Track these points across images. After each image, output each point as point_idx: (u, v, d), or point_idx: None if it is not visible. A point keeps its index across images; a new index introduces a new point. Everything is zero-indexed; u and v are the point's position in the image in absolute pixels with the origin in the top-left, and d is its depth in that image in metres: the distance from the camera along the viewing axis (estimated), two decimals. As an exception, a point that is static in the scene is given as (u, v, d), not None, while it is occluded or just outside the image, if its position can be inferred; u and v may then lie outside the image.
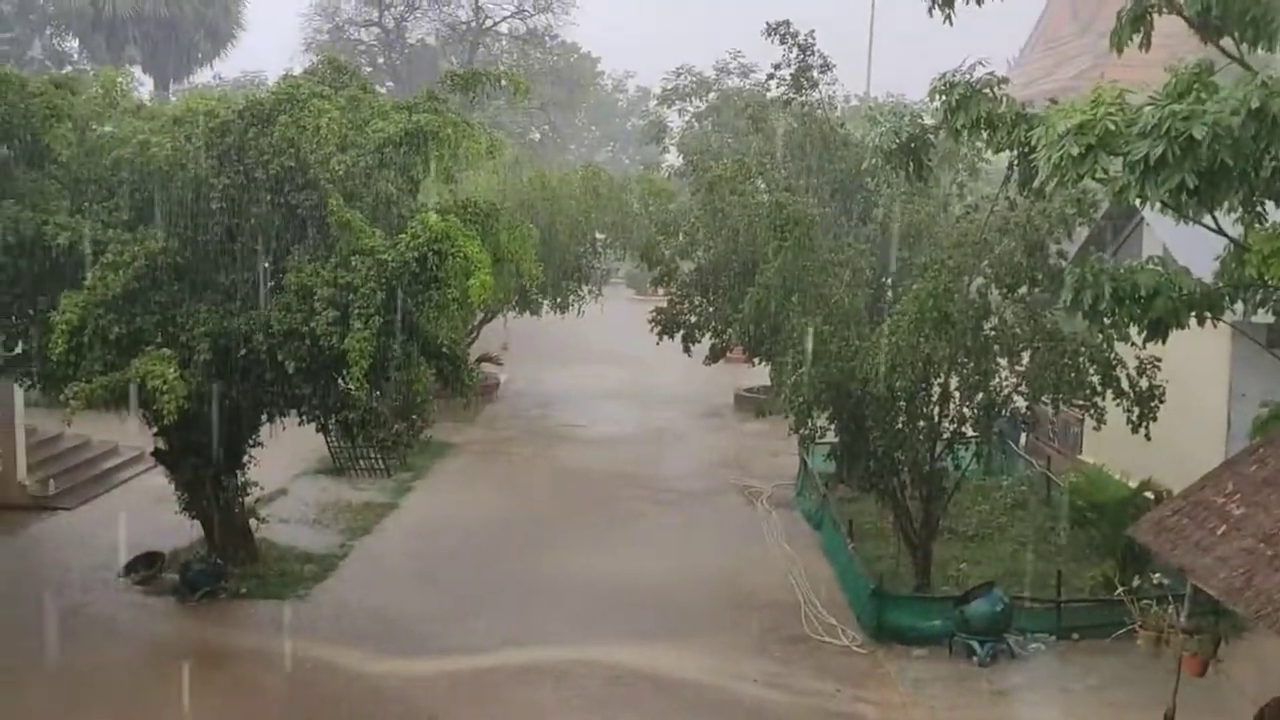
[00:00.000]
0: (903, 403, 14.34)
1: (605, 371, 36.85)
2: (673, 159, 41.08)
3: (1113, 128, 9.75)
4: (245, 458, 16.40)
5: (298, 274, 13.62)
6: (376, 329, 13.13)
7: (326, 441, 21.55)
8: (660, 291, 62.24)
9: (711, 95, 38.22)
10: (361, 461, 22.13)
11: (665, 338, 22.51)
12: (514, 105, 32.74)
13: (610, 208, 29.49)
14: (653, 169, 35.38)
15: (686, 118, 39.89)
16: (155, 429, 15.61)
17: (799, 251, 15.04)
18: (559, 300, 30.06)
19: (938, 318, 13.05)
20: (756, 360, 24.73)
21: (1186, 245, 13.90)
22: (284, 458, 17.92)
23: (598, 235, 30.75)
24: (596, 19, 66.37)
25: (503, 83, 15.86)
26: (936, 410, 14.89)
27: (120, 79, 15.17)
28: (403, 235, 13.36)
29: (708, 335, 21.72)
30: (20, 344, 14.12)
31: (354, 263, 13.33)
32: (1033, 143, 10.90)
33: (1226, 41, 11.48)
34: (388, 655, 13.75)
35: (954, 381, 14.94)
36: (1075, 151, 9.86)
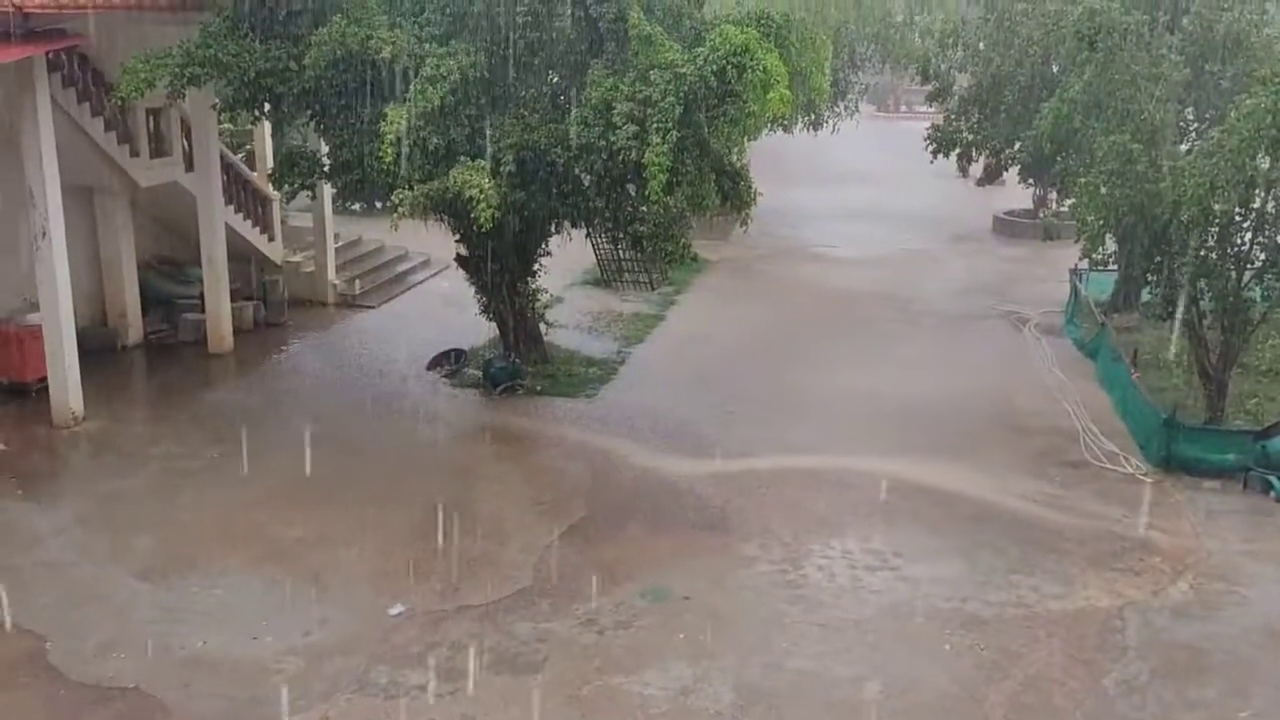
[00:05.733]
0: (1215, 228, 13.59)
1: (852, 191, 36.27)
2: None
3: None
4: (536, 266, 17.39)
5: (597, 88, 13.97)
6: (673, 143, 13.42)
7: (595, 254, 22.51)
8: (903, 109, 59.74)
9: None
10: (627, 275, 23.00)
11: (934, 160, 21.88)
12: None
13: (871, 18, 28.32)
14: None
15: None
16: (458, 236, 16.73)
17: (1108, 63, 14.20)
18: (813, 117, 29.49)
19: (1276, 136, 12.15)
20: (1029, 183, 23.83)
21: None
22: (555, 269, 18.89)
23: (856, 48, 29.74)
24: None
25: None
26: (1249, 236, 14.05)
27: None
28: (701, 48, 13.42)
29: (984, 154, 20.98)
30: (344, 152, 15.18)
31: (653, 77, 13.52)
32: None
33: None
34: (674, 454, 14.64)
35: (1270, 205, 14.00)
36: None
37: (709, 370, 18.26)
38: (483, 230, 13.98)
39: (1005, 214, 29.98)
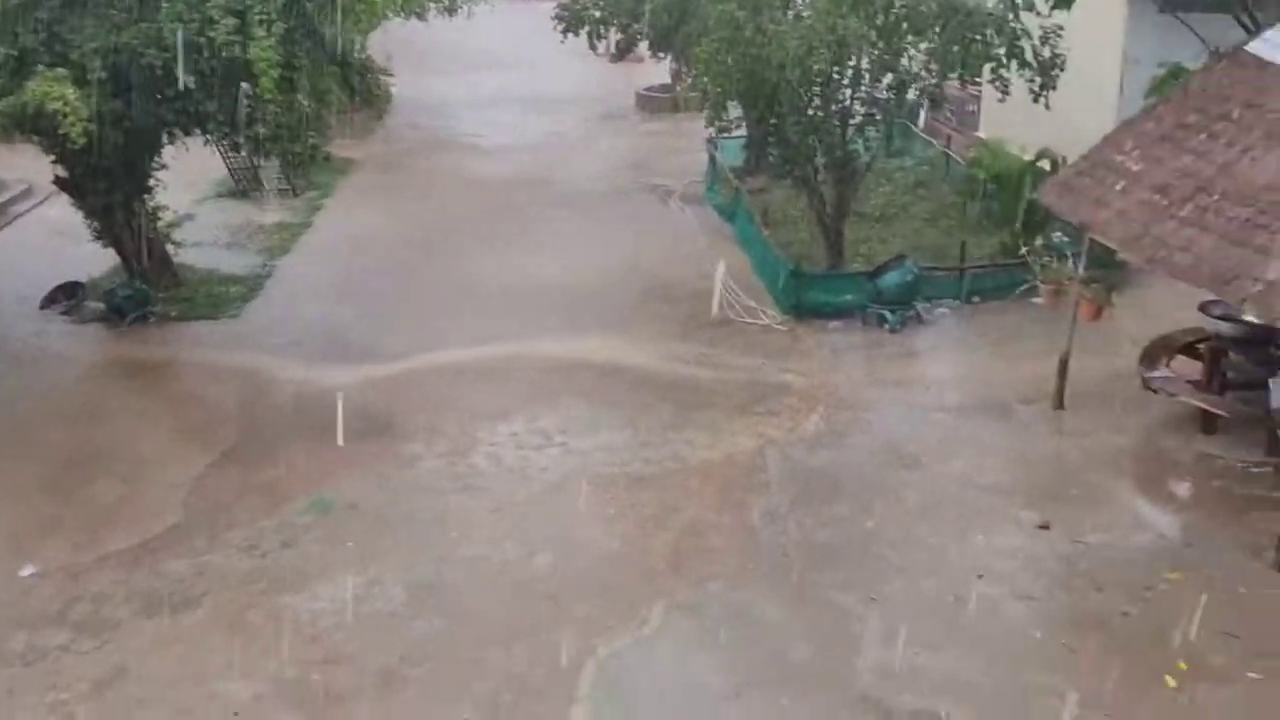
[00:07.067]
0: (818, 87, 14.55)
1: (497, 77, 35.74)
2: None
3: None
4: (151, 181, 15.97)
5: (187, -21, 12.78)
6: (280, 36, 12.59)
7: (226, 163, 21.04)
8: (543, -8, 58.58)
9: None
10: (265, 183, 21.70)
11: (565, 39, 21.89)
12: None
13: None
14: None
15: None
16: (54, 156, 15.03)
17: (709, -66, 14.65)
18: (447, 3, 28.68)
19: (855, -3, 13.07)
20: (661, 56, 24.46)
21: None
22: (181, 184, 17.49)
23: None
24: None
25: None
26: (849, 93, 15.17)
27: None
28: (298, -70, 12.55)
29: (613, 31, 21.25)
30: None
31: (248, -36, 12.55)
32: None
33: None
34: (331, 363, 14.14)
35: (864, 63, 15.15)
36: None
37: (361, 275, 17.68)
38: (78, 147, 12.60)
39: (646, 90, 30.70)
